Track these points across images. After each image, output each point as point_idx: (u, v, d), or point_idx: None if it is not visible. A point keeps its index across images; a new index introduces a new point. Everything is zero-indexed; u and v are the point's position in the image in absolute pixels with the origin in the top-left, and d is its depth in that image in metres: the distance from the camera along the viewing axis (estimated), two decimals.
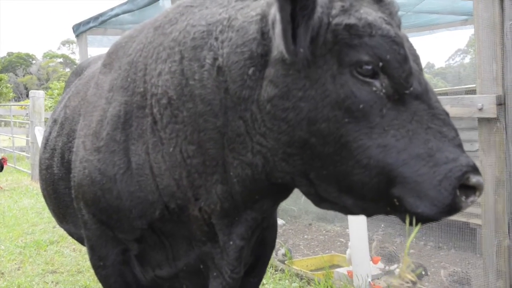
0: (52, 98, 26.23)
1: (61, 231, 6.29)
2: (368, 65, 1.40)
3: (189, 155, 1.72)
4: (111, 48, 2.20)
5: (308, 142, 1.47)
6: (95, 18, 7.41)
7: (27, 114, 13.93)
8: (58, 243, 6.04)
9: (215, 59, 1.62)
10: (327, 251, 5.56)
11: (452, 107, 2.96)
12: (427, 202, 1.37)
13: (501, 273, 2.80)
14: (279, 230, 6.00)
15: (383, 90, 1.41)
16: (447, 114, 1.48)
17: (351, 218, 4.01)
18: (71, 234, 2.81)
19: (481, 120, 2.85)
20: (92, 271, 2.17)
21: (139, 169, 1.82)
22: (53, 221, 6.73)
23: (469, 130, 5.01)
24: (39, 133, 9.20)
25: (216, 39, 1.63)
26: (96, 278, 2.17)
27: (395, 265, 4.42)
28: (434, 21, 8.26)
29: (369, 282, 3.94)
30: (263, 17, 1.54)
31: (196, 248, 1.90)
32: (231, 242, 1.81)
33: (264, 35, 1.53)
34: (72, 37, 8.33)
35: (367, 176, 1.42)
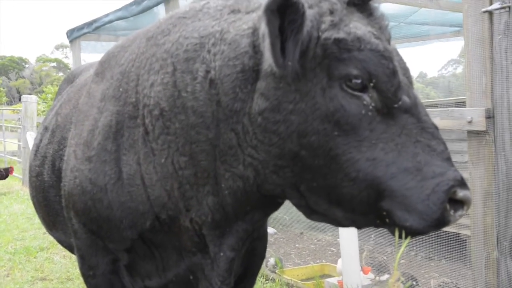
0: (45, 102, 26.10)
1: (51, 238, 6.22)
2: (357, 78, 1.42)
3: (180, 166, 1.73)
4: (103, 57, 2.21)
5: (298, 155, 1.49)
6: (89, 24, 7.41)
7: (19, 118, 13.85)
8: (48, 250, 6.00)
9: (208, 71, 1.63)
10: (318, 261, 5.56)
11: (442, 120, 2.99)
12: (416, 216, 1.38)
13: (489, 285, 2.82)
14: (271, 239, 6.00)
15: (372, 104, 1.43)
16: (436, 127, 1.49)
17: (342, 228, 4.02)
18: (60, 242, 2.80)
19: (470, 132, 2.88)
20: (82, 279, 2.16)
21: (130, 179, 1.82)
22: (44, 228, 6.70)
23: (459, 141, 5.05)
24: (31, 138, 9.16)
25: (209, 51, 1.65)
26: (85, 287, 2.16)
27: (386, 276, 4.43)
28: (426, 32, 8.35)
29: None
30: (255, 31, 1.56)
31: (186, 259, 1.91)
32: (221, 253, 1.82)
33: (255, 49, 1.55)
34: (66, 41, 8.32)
35: (356, 189, 1.44)
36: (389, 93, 1.43)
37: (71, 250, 2.67)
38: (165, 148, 1.74)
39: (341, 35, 1.43)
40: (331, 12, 1.48)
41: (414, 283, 4.30)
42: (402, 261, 5.53)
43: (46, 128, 2.64)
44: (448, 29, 8.04)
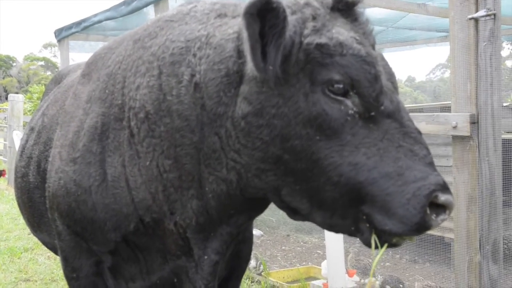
0: (31, 101, 25.83)
1: (36, 238, 6.16)
2: (339, 84, 1.42)
3: (165, 169, 1.73)
4: (90, 59, 2.20)
5: (281, 159, 1.49)
6: (78, 23, 7.36)
7: (5, 117, 13.71)
8: (33, 251, 5.94)
9: (193, 75, 1.64)
10: (304, 263, 5.58)
11: (427, 124, 3.02)
12: (395, 220, 1.38)
13: None
14: (257, 241, 6.01)
15: (354, 109, 1.43)
16: (419, 132, 1.49)
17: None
18: (45, 243, 2.78)
19: (455, 137, 2.92)
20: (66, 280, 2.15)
21: (114, 181, 1.82)
22: (28, 228, 6.63)
23: (445, 146, 5.10)
24: (17, 137, 9.08)
25: (194, 55, 1.65)
26: None
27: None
28: (413, 37, 8.42)
29: None
30: (240, 35, 1.57)
31: (171, 262, 1.90)
32: (205, 257, 1.82)
33: (240, 53, 1.55)
34: (54, 40, 8.24)
35: (337, 193, 1.45)
36: (370, 98, 1.43)
37: (55, 251, 2.65)
38: (150, 151, 1.74)
39: (323, 40, 1.44)
40: (314, 18, 1.49)
41: (401, 285, 4.33)
42: (387, 264, 5.57)
43: (32, 129, 2.62)
44: (436, 34, 8.12)
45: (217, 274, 1.90)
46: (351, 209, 1.46)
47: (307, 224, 6.38)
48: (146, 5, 5.72)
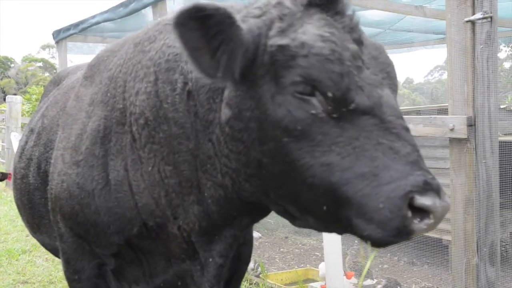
0: (30, 103, 25.78)
1: (34, 240, 6.16)
2: (302, 85, 1.36)
3: (166, 175, 1.73)
4: (93, 61, 2.20)
5: (262, 162, 1.47)
6: (76, 25, 7.36)
7: (3, 119, 13.69)
8: (31, 253, 5.94)
9: (185, 83, 1.64)
10: (302, 265, 5.58)
11: (424, 127, 3.03)
12: (373, 225, 1.29)
13: None
14: (255, 243, 6.00)
15: (321, 108, 1.36)
16: (404, 128, 1.38)
17: (326, 233, 4.04)
18: (44, 245, 2.78)
19: (452, 140, 2.93)
20: (64, 282, 2.15)
21: (117, 185, 1.82)
22: (27, 230, 6.61)
23: (443, 148, 5.11)
24: (15, 139, 9.07)
25: (186, 62, 1.64)
26: None
27: (369, 281, 4.46)
28: (411, 39, 8.44)
29: None
30: None
31: (175, 265, 1.90)
32: (210, 259, 1.82)
33: None
34: (52, 41, 8.22)
35: (313, 195, 1.39)
36: (336, 97, 1.34)
37: (55, 253, 2.65)
38: (152, 156, 1.75)
39: (285, 41, 1.39)
40: (281, 18, 1.45)
41: (399, 287, 4.34)
42: (385, 266, 5.57)
43: (31, 130, 2.62)
44: (433, 36, 8.15)
45: (222, 277, 1.90)
46: (332, 213, 1.38)
47: None
48: (144, 7, 5.72)
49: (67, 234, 2.01)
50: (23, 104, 16.05)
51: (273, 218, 7.01)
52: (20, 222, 7.32)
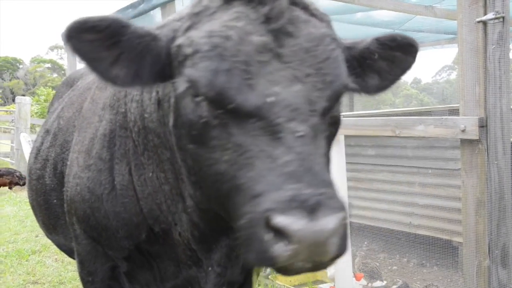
0: (38, 104, 25.97)
1: (43, 241, 6.21)
2: (193, 86, 1.28)
3: (162, 182, 1.74)
4: None
5: (193, 168, 1.42)
6: None
7: (12, 120, 13.79)
8: (41, 253, 5.96)
9: (157, 92, 1.64)
10: None
11: (435, 128, 3.01)
12: (242, 245, 1.15)
13: None
14: None
15: (207, 111, 1.26)
16: (293, 131, 1.18)
17: None
18: (59, 245, 2.79)
19: (463, 141, 2.90)
20: (74, 283, 2.17)
21: (123, 190, 1.83)
22: (36, 230, 6.65)
23: (453, 149, 5.07)
24: (24, 139, 9.12)
25: None
26: None
27: (378, 282, 4.44)
28: (420, 40, 8.38)
29: None
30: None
31: (184, 271, 1.91)
32: (210, 268, 1.84)
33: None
34: (61, 42, 8.25)
35: (226, 206, 1.28)
36: (211, 97, 1.24)
37: (70, 254, 2.66)
38: (150, 163, 1.76)
39: (180, 41, 1.35)
40: (189, 18, 1.39)
41: None
42: (395, 267, 5.55)
43: (47, 131, 2.63)
44: (443, 36, 8.09)
45: (223, 286, 1.90)
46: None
47: None
48: (153, 8, 5.73)
49: (82, 236, 2.03)
50: (32, 105, 16.17)
51: None
52: (29, 223, 7.37)
